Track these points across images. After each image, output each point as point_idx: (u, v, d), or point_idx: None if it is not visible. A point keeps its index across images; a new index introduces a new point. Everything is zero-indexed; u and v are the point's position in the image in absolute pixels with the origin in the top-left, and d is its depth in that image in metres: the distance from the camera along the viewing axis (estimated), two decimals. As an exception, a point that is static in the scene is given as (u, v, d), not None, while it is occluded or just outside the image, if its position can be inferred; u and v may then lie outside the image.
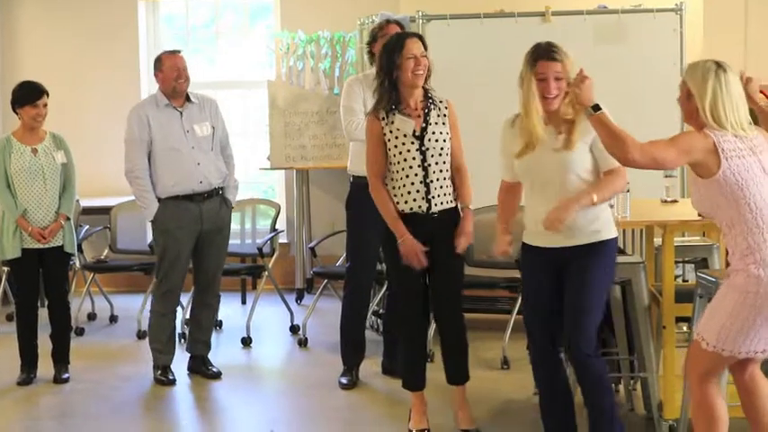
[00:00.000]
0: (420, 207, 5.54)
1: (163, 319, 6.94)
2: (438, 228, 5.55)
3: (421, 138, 5.52)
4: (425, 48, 5.62)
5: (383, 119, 5.56)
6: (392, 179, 5.59)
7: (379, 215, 6.37)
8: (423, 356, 5.78)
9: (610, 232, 4.86)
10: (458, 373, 5.72)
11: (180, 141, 6.80)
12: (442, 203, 5.56)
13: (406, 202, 5.55)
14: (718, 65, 4.35)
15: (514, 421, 5.76)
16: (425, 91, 5.62)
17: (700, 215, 5.21)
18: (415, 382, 5.73)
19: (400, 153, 5.54)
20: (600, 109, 4.45)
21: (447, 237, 5.56)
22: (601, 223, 4.83)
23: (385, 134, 5.56)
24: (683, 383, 5.10)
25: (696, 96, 4.34)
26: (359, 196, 6.65)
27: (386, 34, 6.53)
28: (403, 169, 5.54)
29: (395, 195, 5.58)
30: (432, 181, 5.53)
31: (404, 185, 5.55)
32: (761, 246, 4.25)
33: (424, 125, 5.53)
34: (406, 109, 5.56)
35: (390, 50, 5.55)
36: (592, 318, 4.79)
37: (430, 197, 5.54)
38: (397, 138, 5.54)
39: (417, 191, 5.53)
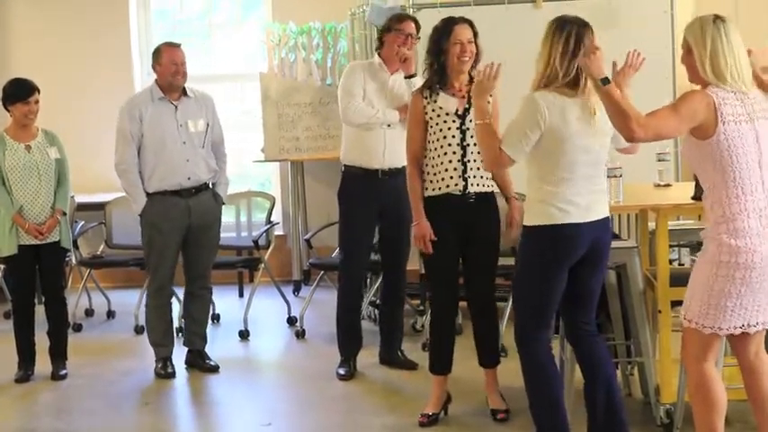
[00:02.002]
0: (456, 186, 5.58)
1: (158, 312, 6.95)
2: (475, 213, 5.59)
3: (463, 117, 5.59)
4: (476, 34, 5.69)
5: (426, 97, 5.65)
6: (430, 159, 5.64)
7: (372, 205, 6.39)
8: (450, 342, 5.79)
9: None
10: (488, 357, 5.82)
11: (171, 136, 6.78)
12: (479, 185, 5.59)
13: (442, 179, 5.60)
14: (717, 16, 4.27)
15: (513, 408, 5.75)
16: (471, 77, 5.64)
17: (693, 199, 5.23)
18: (440, 366, 5.77)
19: (440, 131, 5.62)
20: (609, 82, 4.35)
21: (484, 223, 5.62)
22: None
23: (426, 113, 5.64)
24: (680, 367, 5.11)
25: (694, 49, 4.25)
26: (350, 186, 6.66)
27: (401, 29, 6.55)
28: (441, 147, 5.60)
29: (433, 175, 5.63)
30: (469, 161, 5.56)
31: (441, 163, 5.60)
32: (736, 216, 4.22)
33: (467, 105, 5.59)
34: (451, 89, 5.64)
35: (438, 35, 5.63)
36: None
37: (467, 176, 5.57)
38: (438, 116, 5.62)
39: (455, 169, 5.57)
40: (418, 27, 6.62)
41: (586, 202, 4.67)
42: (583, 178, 4.67)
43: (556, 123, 4.59)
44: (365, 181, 6.59)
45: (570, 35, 4.60)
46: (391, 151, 6.55)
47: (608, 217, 4.80)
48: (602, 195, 4.80)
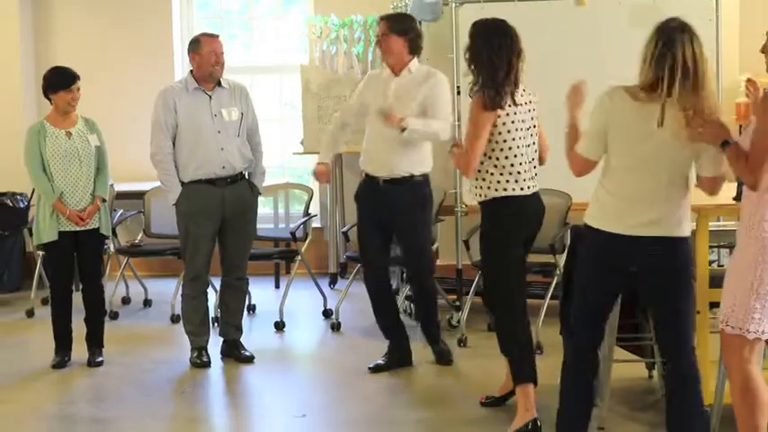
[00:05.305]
0: None
1: (193, 301, 6.97)
2: None
3: None
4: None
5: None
6: None
7: (376, 211, 6.53)
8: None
9: None
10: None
11: (205, 126, 6.80)
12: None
13: None
14: None
15: (550, 406, 5.71)
16: None
17: (734, 200, 5.18)
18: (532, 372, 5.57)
19: None
20: (729, 144, 4.28)
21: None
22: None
23: None
24: (718, 369, 5.07)
25: None
26: (360, 190, 6.72)
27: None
28: None
29: None
30: None
31: None
32: None
33: None
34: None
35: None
36: None
37: None
38: None
39: None
40: (389, 23, 6.52)
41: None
42: None
43: (612, 120, 4.52)
44: (369, 187, 6.58)
45: (658, 42, 4.43)
46: (390, 161, 6.48)
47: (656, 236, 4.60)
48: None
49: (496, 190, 5.44)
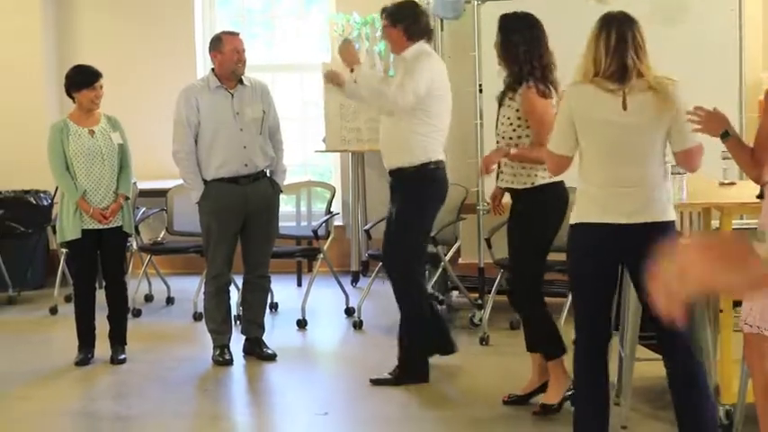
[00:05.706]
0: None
1: (216, 299, 6.98)
2: None
3: None
4: None
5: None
6: None
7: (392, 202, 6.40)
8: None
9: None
10: None
11: (228, 124, 6.81)
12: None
13: None
14: None
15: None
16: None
17: (758, 197, 5.16)
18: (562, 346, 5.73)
19: None
20: (729, 135, 4.34)
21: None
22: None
23: None
24: (741, 368, 5.05)
25: None
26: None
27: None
28: None
29: None
30: None
31: None
32: None
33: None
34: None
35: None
36: None
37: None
38: None
39: None
40: (385, 15, 6.47)
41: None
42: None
43: (578, 111, 4.59)
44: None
45: (611, 32, 4.54)
46: (384, 152, 6.48)
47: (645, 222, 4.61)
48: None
49: (543, 178, 5.56)
